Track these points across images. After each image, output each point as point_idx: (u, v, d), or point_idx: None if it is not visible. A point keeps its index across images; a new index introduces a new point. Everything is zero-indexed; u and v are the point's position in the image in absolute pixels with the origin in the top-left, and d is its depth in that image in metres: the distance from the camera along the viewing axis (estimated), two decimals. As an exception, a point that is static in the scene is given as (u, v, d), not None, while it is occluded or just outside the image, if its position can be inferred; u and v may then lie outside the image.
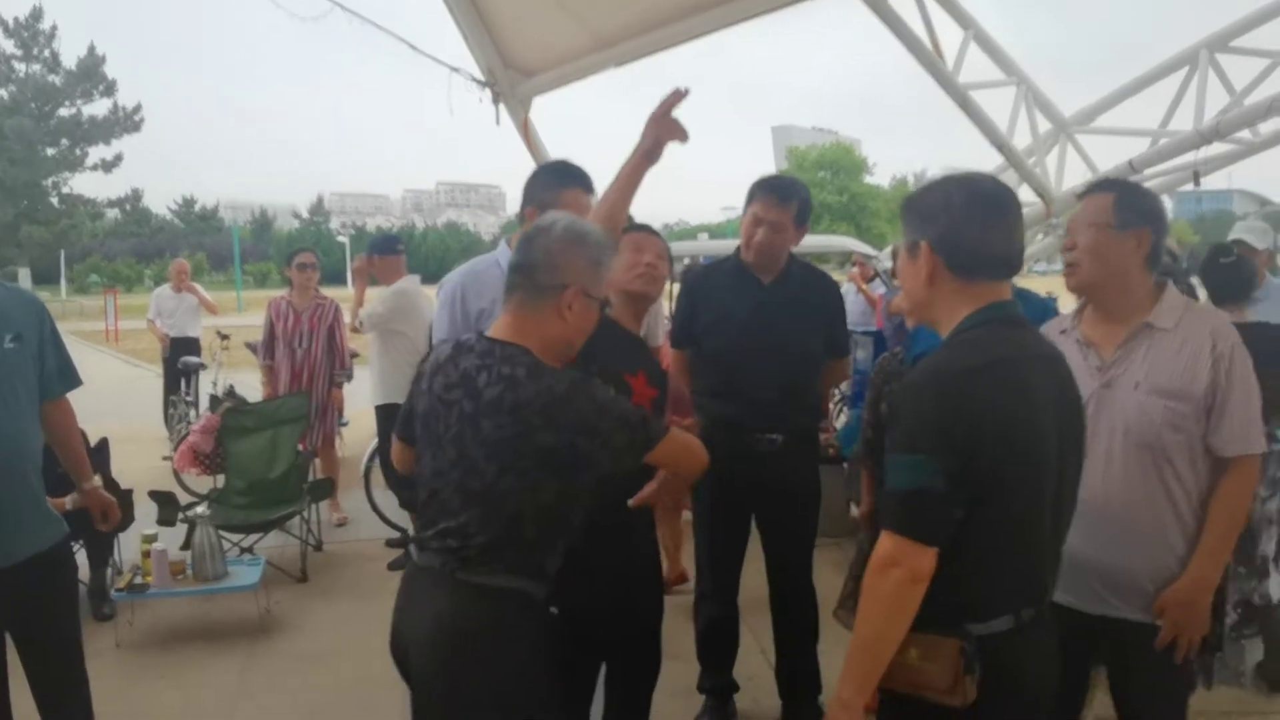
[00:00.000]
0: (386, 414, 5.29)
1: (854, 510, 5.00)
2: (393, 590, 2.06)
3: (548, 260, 1.90)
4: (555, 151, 8.71)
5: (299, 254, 6.18)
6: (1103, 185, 2.22)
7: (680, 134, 2.29)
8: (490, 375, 1.83)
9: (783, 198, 3.12)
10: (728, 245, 4.50)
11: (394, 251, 5.57)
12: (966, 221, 1.70)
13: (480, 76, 8.19)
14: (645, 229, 3.11)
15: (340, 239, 60.52)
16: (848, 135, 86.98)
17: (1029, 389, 1.67)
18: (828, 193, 56.53)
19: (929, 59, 6.47)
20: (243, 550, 4.90)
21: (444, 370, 1.93)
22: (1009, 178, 8.14)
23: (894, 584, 1.60)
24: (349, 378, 6.16)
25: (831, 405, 7.58)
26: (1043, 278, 17.42)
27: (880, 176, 66.82)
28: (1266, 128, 6.40)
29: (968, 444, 1.58)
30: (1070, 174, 7.57)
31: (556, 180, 2.80)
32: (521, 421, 1.78)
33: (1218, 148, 6.46)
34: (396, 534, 5.57)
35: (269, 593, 4.44)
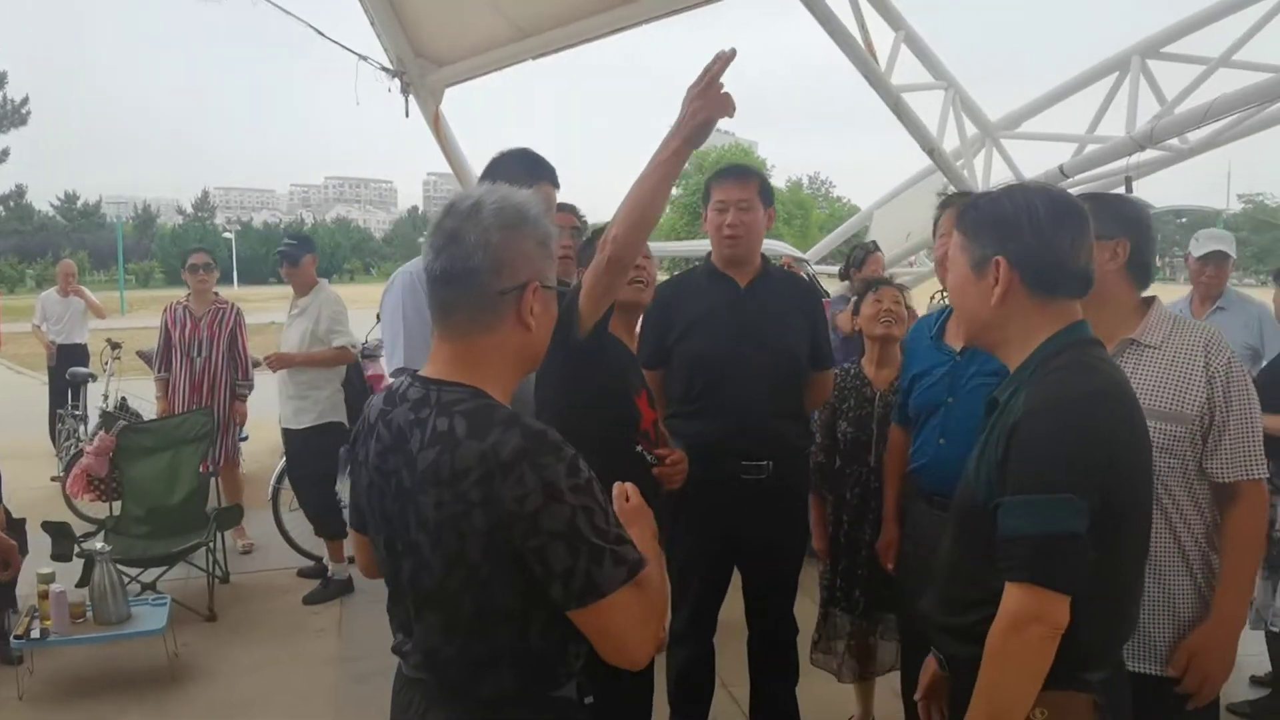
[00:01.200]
0: (320, 435, 4.83)
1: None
2: (313, 628, 1.75)
3: (491, 258, 1.35)
4: (468, 146, 8.35)
5: (192, 254, 5.63)
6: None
7: (730, 108, 1.90)
8: (424, 433, 1.33)
9: (740, 176, 2.90)
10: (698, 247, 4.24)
11: (313, 252, 5.09)
12: (1054, 235, 1.56)
13: (389, 65, 7.80)
14: None
15: (226, 235, 58.12)
16: (744, 137, 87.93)
17: (1139, 417, 1.55)
18: (727, 194, 57.06)
19: (862, 60, 6.35)
20: (144, 587, 4.38)
21: (376, 431, 1.43)
22: (932, 183, 8.18)
23: (1036, 642, 1.42)
24: (251, 388, 5.59)
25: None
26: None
27: (776, 178, 67.81)
28: (1196, 135, 6.51)
29: (1103, 479, 1.44)
30: (997, 179, 7.59)
31: (526, 172, 2.50)
32: (459, 496, 1.28)
33: (1148, 154, 6.53)
34: (310, 562, 5.12)
35: (176, 633, 3.94)
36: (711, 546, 2.88)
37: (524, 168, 2.53)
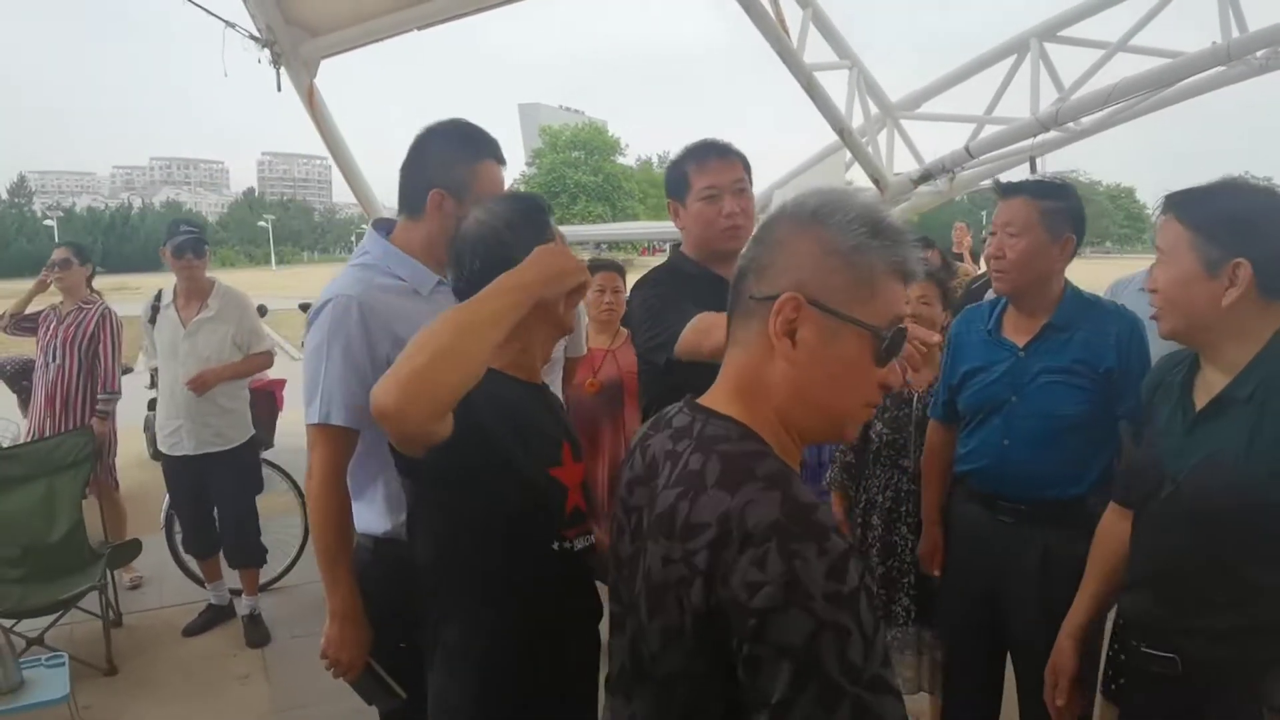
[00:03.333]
0: (250, 450, 4.33)
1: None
2: (235, 675, 1.47)
3: (760, 255, 1.13)
4: (346, 123, 7.75)
5: (55, 249, 4.86)
6: None
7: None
8: (674, 469, 1.09)
9: (724, 154, 2.40)
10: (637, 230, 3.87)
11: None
12: None
13: (257, 33, 7.13)
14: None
15: (47, 223, 53.27)
16: (594, 115, 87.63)
17: None
18: (583, 173, 56.88)
19: (777, 37, 6.21)
20: (29, 642, 3.73)
21: (632, 459, 1.22)
22: (834, 162, 8.17)
23: None
24: (114, 401, 4.73)
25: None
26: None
27: (628, 158, 67.93)
28: (1091, 116, 6.69)
29: None
30: (900, 159, 7.65)
31: (461, 147, 2.09)
32: (686, 558, 1.01)
33: (1049, 134, 6.68)
34: (211, 597, 4.46)
35: (75, 696, 3.35)
36: None
37: (464, 140, 2.10)
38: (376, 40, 7.42)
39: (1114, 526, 1.90)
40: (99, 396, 4.72)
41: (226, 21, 6.99)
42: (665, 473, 1.10)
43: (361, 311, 1.92)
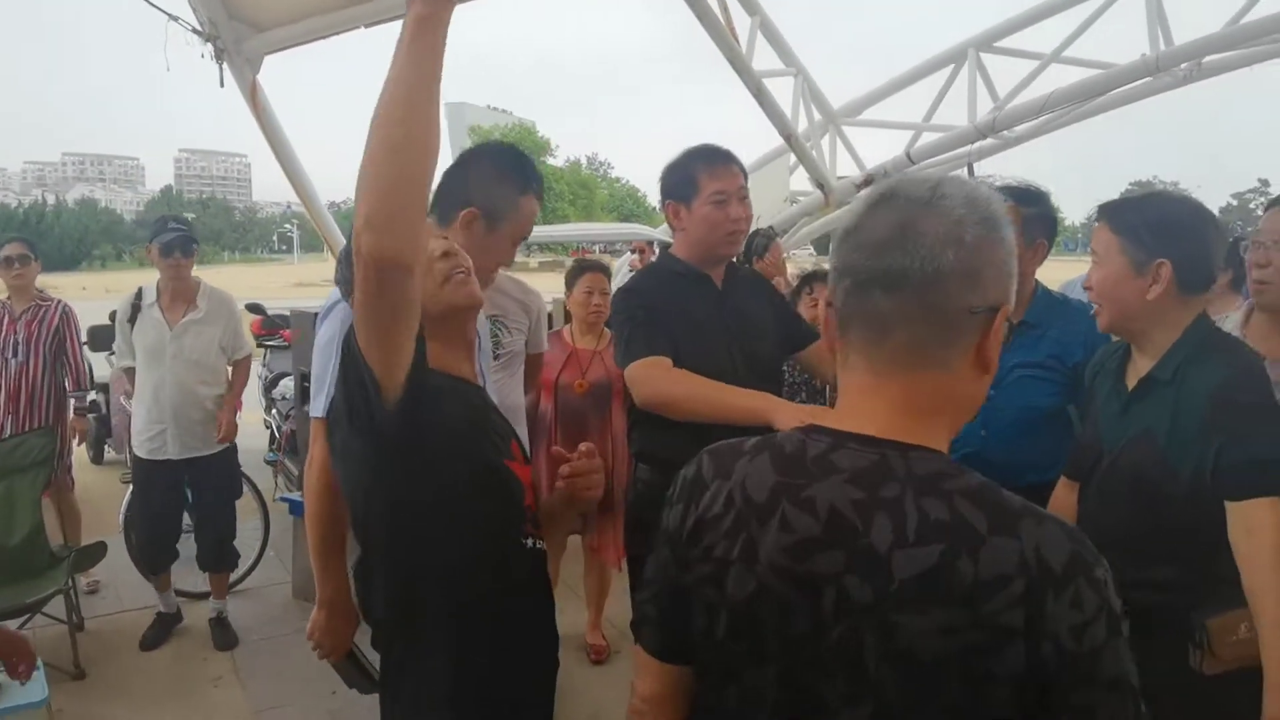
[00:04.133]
0: (233, 451, 4.30)
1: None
2: (207, 677, 1.59)
3: (964, 261, 0.96)
4: (290, 122, 7.68)
5: (5, 245, 4.72)
6: None
7: None
8: (900, 521, 0.93)
9: (731, 160, 2.46)
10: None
11: None
12: (1209, 244, 1.81)
13: (200, 27, 7.02)
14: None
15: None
16: (523, 116, 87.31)
17: None
18: (513, 173, 56.58)
19: (728, 44, 6.35)
20: (-8, 650, 3.60)
21: (768, 516, 1.00)
22: (778, 166, 8.36)
23: None
24: (87, 397, 4.70)
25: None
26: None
27: (557, 159, 67.89)
28: (1025, 124, 7.00)
29: None
30: (842, 164, 7.87)
31: (517, 174, 2.16)
32: (981, 621, 0.88)
33: (985, 141, 6.97)
34: (160, 605, 4.32)
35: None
36: None
37: (515, 170, 2.17)
38: (323, 37, 7.37)
39: (1065, 498, 2.08)
40: (74, 394, 4.67)
41: (170, 15, 6.88)
42: (883, 528, 0.93)
43: None
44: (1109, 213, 1.91)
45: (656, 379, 2.28)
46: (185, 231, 4.12)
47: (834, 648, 0.94)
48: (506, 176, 2.15)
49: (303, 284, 33.12)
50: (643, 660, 1.16)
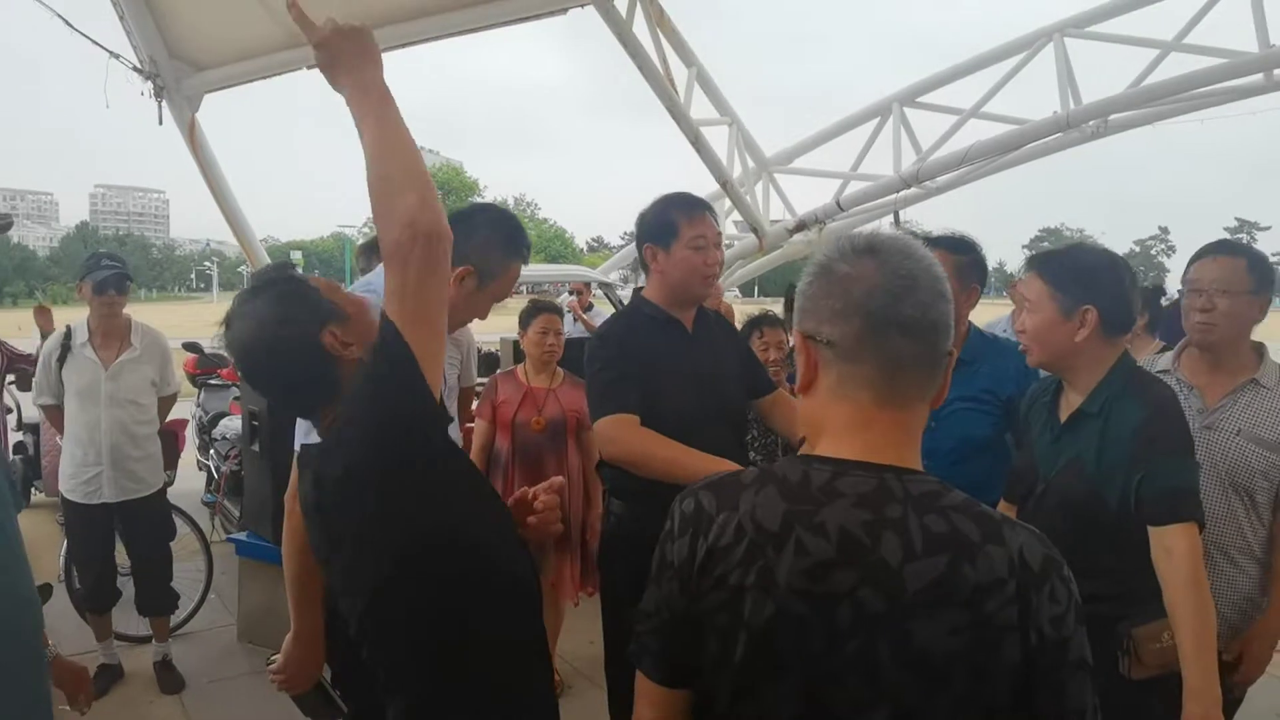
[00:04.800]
0: (164, 493, 4.21)
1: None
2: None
3: (949, 313, 1.14)
4: (229, 160, 7.69)
5: None
6: (1228, 248, 2.37)
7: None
8: (907, 537, 1.05)
9: (708, 209, 2.60)
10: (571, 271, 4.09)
11: None
12: (1127, 291, 2.03)
13: (140, 65, 7.04)
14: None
15: None
16: (450, 156, 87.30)
17: None
18: (442, 213, 56.36)
19: (667, 94, 6.58)
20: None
21: (783, 541, 1.09)
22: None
23: (1204, 570, 1.86)
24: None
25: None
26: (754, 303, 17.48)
27: (485, 199, 67.94)
28: (946, 175, 7.37)
29: None
30: (773, 209, 8.15)
31: (508, 240, 2.21)
32: (984, 620, 1.02)
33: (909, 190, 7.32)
34: (101, 655, 4.19)
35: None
36: None
37: (513, 237, 2.23)
38: (264, 77, 7.45)
39: None
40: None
41: (111, 52, 6.89)
42: (891, 544, 1.05)
43: None
44: (1039, 263, 2.13)
45: (623, 440, 2.43)
46: (120, 269, 4.03)
47: (852, 658, 1.04)
48: (504, 242, 2.22)
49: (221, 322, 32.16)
50: (645, 688, 1.24)
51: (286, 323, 1.50)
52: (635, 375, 2.49)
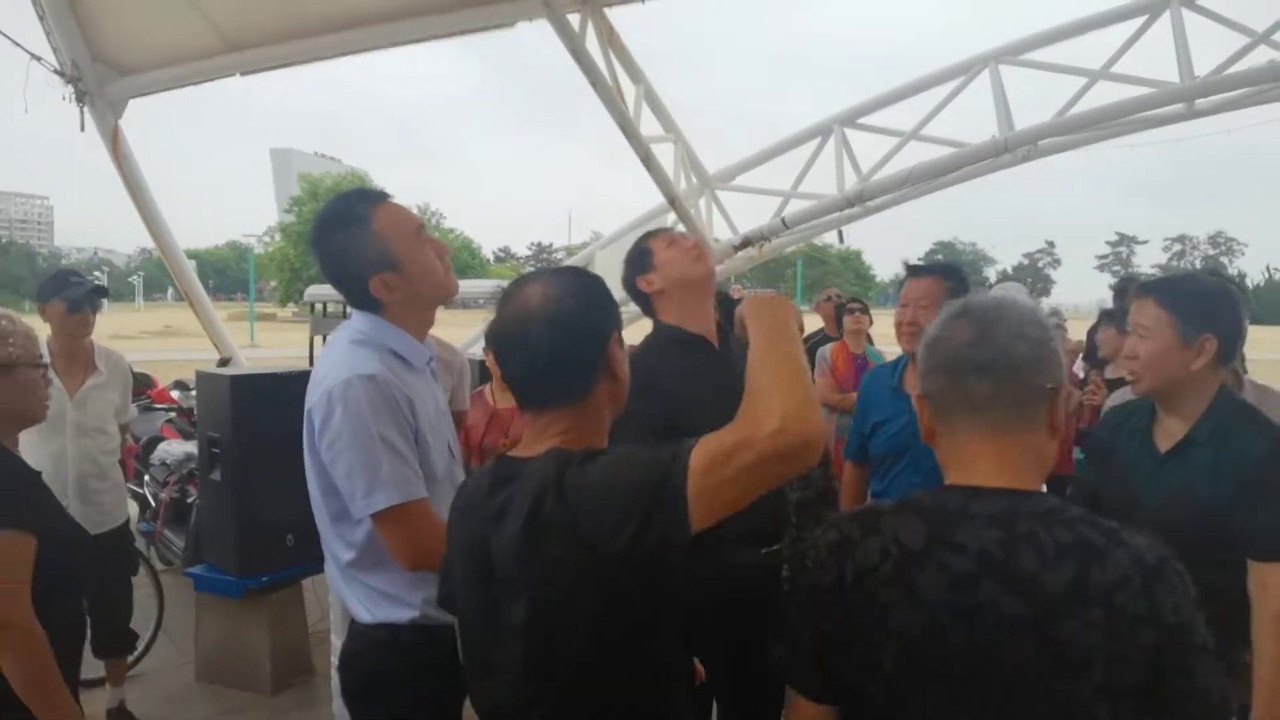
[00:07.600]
0: (128, 527, 3.99)
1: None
2: None
3: (1035, 353, 1.26)
4: (152, 169, 7.39)
5: None
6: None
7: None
8: (1040, 548, 1.17)
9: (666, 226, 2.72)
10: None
11: None
12: (1241, 322, 2.07)
13: (61, 68, 6.73)
14: None
15: None
16: (354, 165, 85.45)
17: None
18: (349, 223, 54.80)
19: (619, 112, 6.60)
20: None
21: (923, 562, 1.20)
22: (656, 225, 8.63)
23: None
24: None
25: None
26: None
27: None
28: (886, 195, 7.55)
29: None
30: (717, 225, 8.23)
31: (352, 205, 1.99)
32: (1117, 613, 1.13)
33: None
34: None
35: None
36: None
37: (348, 204, 1.99)
38: (195, 83, 7.19)
39: None
40: None
41: (32, 54, 6.56)
42: (1028, 556, 1.16)
43: (397, 388, 1.86)
44: (1157, 289, 2.08)
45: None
46: (90, 283, 3.76)
47: (997, 661, 1.15)
48: (347, 212, 2.00)
49: (118, 336, 30.38)
50: (800, 706, 1.34)
51: (594, 306, 1.47)
52: (662, 398, 2.23)
